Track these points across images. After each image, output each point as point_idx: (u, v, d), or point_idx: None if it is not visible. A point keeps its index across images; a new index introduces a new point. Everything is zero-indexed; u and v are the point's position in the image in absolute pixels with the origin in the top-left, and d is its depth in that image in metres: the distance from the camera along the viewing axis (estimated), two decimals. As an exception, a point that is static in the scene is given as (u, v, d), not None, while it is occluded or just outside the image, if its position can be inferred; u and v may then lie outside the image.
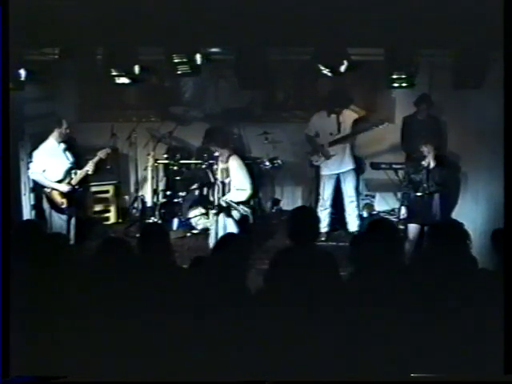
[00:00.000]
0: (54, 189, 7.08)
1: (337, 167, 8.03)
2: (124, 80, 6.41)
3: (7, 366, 3.79)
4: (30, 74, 6.41)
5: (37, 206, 7.86)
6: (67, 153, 7.20)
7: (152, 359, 3.72)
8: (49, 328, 3.82)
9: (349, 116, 7.99)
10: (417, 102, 8.18)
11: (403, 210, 7.25)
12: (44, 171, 7.05)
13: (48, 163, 7.05)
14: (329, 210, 8.15)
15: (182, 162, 8.59)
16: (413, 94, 7.93)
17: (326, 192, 8.10)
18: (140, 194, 9.02)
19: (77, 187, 7.16)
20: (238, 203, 7.44)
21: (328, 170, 8.07)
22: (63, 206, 7.07)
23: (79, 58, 6.32)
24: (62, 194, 7.08)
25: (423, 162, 7.08)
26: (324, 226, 8.10)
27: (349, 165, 8.07)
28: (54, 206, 7.10)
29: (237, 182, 7.46)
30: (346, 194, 8.14)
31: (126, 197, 9.43)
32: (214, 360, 3.71)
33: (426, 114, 8.20)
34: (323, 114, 8.04)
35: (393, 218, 8.25)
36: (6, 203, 4.41)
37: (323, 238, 7.94)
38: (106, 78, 6.44)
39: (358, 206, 8.30)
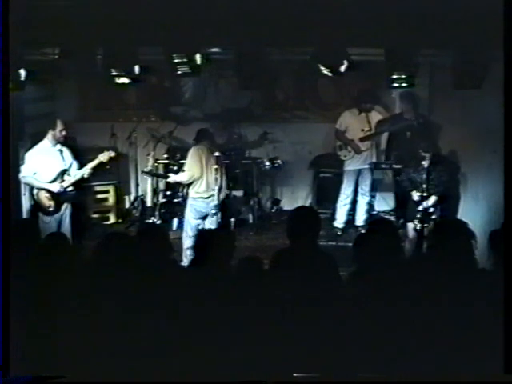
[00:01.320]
0: (43, 189, 6.86)
1: (361, 163, 8.16)
2: (124, 80, 6.42)
3: (7, 366, 3.79)
4: (30, 74, 6.40)
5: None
6: (64, 154, 7.04)
7: (152, 359, 3.72)
8: (49, 328, 3.82)
9: (377, 115, 8.20)
10: (401, 101, 8.28)
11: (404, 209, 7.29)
12: (35, 174, 6.86)
13: (40, 165, 6.86)
14: (348, 207, 8.23)
15: (182, 161, 8.58)
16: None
17: (349, 188, 8.18)
18: (140, 193, 9.02)
19: (69, 189, 6.97)
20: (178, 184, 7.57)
21: (352, 165, 8.19)
22: (50, 209, 6.91)
23: (79, 57, 6.32)
24: (50, 197, 6.92)
25: (423, 163, 7.09)
26: (342, 222, 8.28)
27: (373, 161, 8.24)
28: (42, 209, 6.94)
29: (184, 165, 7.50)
30: (361, 188, 8.22)
31: (126, 197, 9.43)
32: (214, 360, 3.71)
33: (413, 114, 8.26)
34: (354, 111, 8.21)
35: (393, 218, 8.26)
36: (6, 203, 4.41)
37: (339, 233, 8.15)
38: (105, 78, 6.45)
39: (369, 202, 8.36)
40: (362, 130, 8.14)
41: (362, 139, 8.12)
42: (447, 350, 3.71)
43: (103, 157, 7.02)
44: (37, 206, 6.97)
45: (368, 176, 8.26)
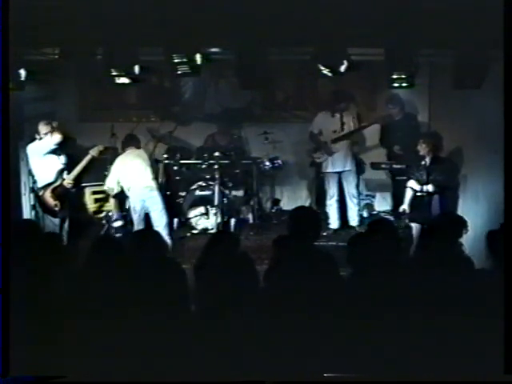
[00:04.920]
0: (51, 185, 7.03)
1: (341, 166, 8.11)
2: (124, 80, 6.42)
3: (7, 366, 3.79)
4: (30, 74, 6.40)
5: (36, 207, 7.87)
6: (58, 154, 7.19)
7: (152, 359, 3.72)
8: (49, 328, 3.82)
9: (351, 115, 8.12)
10: (387, 103, 8.30)
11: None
12: (34, 176, 7.03)
13: (38, 165, 7.01)
14: (336, 206, 8.21)
15: (182, 161, 8.59)
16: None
17: (332, 190, 8.17)
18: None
19: (70, 187, 7.10)
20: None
21: (332, 167, 8.14)
22: (56, 209, 6.99)
23: (79, 57, 6.32)
24: (55, 197, 7.01)
25: (423, 162, 7.12)
26: (331, 223, 8.23)
27: (352, 164, 8.17)
28: (47, 209, 7.02)
29: None
30: (348, 191, 8.20)
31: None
32: (214, 360, 3.71)
33: (401, 114, 8.33)
34: (328, 113, 8.15)
35: (392, 218, 8.26)
36: (6, 203, 4.41)
37: (329, 235, 8.03)
38: (105, 77, 6.45)
39: (359, 203, 8.35)
40: (334, 132, 8.08)
41: (333, 141, 8.09)
42: (447, 350, 3.71)
43: (94, 151, 7.30)
44: (42, 207, 7.06)
45: (352, 179, 8.20)
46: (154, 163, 7.93)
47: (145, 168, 7.68)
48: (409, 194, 7.39)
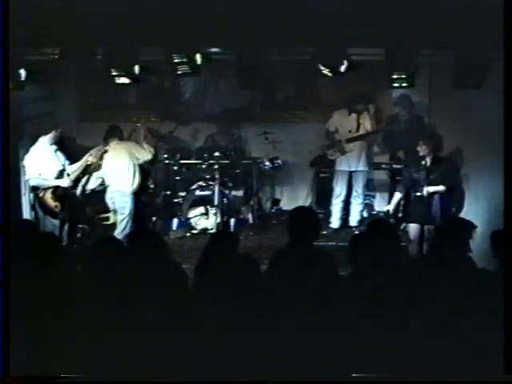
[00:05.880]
0: (51, 186, 7.02)
1: (355, 165, 8.13)
2: (124, 80, 6.43)
3: (7, 366, 3.79)
4: (30, 74, 6.41)
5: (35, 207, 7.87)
6: (58, 154, 7.22)
7: (152, 359, 3.72)
8: (49, 328, 3.82)
9: (368, 116, 8.12)
10: (395, 103, 8.29)
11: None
12: (40, 174, 7.03)
13: (42, 165, 7.04)
14: (341, 206, 8.21)
15: (181, 161, 8.59)
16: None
17: (339, 188, 8.17)
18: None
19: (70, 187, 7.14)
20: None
21: (345, 166, 8.16)
22: (57, 210, 7.00)
23: (79, 57, 6.33)
24: (55, 198, 7.02)
25: (423, 162, 7.10)
26: (332, 223, 8.25)
27: (365, 164, 8.19)
28: (47, 210, 7.03)
29: None
30: (355, 191, 8.23)
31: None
32: (215, 360, 3.71)
33: (409, 114, 8.35)
34: (344, 112, 8.19)
35: (392, 218, 8.26)
36: (6, 203, 4.41)
37: (329, 235, 8.02)
38: (105, 77, 6.46)
39: (362, 203, 8.36)
40: (350, 132, 8.11)
41: (348, 140, 8.11)
42: (447, 349, 3.71)
43: (94, 151, 7.26)
44: (43, 208, 7.06)
45: (362, 179, 8.22)
46: (140, 162, 7.60)
47: (127, 169, 7.39)
48: (397, 196, 7.36)
